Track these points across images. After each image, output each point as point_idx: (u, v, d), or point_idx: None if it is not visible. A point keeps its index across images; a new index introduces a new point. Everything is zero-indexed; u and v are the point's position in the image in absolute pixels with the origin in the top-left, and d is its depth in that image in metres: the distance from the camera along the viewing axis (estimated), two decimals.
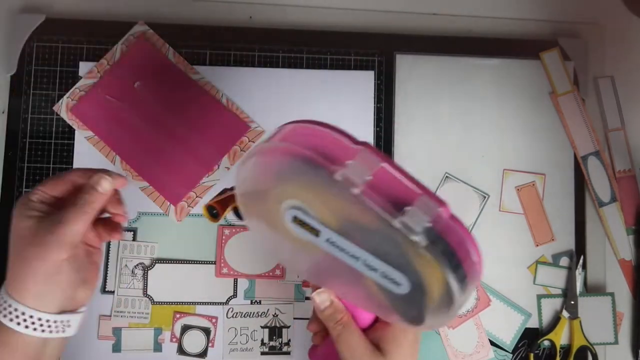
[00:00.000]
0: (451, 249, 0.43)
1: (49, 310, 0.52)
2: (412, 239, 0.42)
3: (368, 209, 0.42)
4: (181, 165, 0.69)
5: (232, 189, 0.66)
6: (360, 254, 0.46)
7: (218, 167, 0.69)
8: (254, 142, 0.70)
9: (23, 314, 0.51)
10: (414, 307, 0.48)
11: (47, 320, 0.52)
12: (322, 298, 0.54)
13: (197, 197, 0.69)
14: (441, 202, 0.43)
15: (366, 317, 0.55)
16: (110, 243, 0.68)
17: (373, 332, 0.54)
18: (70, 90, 0.69)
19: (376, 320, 0.55)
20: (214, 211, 0.67)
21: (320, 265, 0.52)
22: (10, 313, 0.51)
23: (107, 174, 0.53)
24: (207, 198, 0.69)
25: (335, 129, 0.45)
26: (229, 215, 0.69)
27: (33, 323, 0.52)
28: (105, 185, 0.53)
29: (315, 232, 0.47)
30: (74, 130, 0.69)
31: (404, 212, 0.42)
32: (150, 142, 0.69)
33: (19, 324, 0.51)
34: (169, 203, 0.69)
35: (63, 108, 0.69)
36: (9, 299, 0.51)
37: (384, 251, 0.45)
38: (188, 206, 0.69)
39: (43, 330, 0.52)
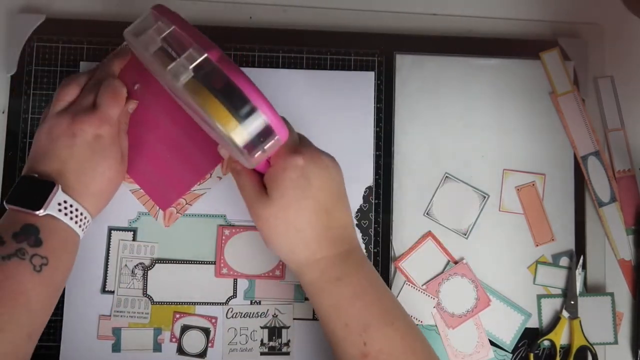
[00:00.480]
0: (218, 85, 0.51)
1: (91, 212, 0.61)
2: (177, 84, 0.51)
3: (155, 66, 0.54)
4: (174, 171, 0.68)
5: None
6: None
7: (210, 176, 0.69)
8: None
9: (81, 214, 0.60)
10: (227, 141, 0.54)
11: (89, 221, 0.61)
12: (222, 151, 0.63)
13: (187, 204, 0.69)
14: (209, 47, 0.51)
15: (263, 163, 0.59)
16: (110, 243, 0.68)
17: (265, 175, 0.59)
18: None
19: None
20: None
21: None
22: (71, 212, 0.58)
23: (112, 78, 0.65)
24: (197, 206, 0.69)
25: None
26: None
27: (84, 223, 0.60)
28: (133, 107, 0.67)
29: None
30: None
31: (172, 61, 0.51)
32: (145, 146, 0.68)
33: (76, 222, 0.59)
34: (157, 208, 0.68)
35: None
36: (73, 201, 0.59)
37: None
38: (177, 212, 0.69)
39: (83, 230, 0.61)
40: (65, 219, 0.58)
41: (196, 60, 0.51)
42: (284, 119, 0.58)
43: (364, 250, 0.69)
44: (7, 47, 0.70)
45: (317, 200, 0.57)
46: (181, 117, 0.68)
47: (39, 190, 0.57)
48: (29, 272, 0.55)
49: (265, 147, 0.53)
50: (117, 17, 0.71)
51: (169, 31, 0.53)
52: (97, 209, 0.63)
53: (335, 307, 0.57)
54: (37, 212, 0.56)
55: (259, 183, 0.59)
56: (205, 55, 0.51)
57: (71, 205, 0.58)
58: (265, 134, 0.52)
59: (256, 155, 0.53)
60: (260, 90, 0.52)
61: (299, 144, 0.59)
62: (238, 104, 0.51)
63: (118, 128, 0.63)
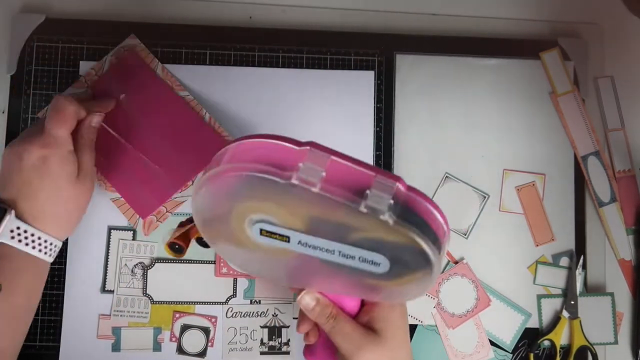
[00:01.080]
0: (418, 217, 0.46)
1: (56, 235, 0.59)
2: (382, 219, 0.44)
3: (331, 203, 0.45)
4: (154, 179, 0.68)
5: (189, 221, 0.68)
6: (334, 247, 0.48)
7: (192, 183, 0.69)
8: None
9: (39, 238, 0.58)
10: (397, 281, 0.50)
11: (53, 244, 0.59)
12: (307, 300, 0.56)
13: (167, 211, 0.68)
14: (396, 178, 0.46)
15: (352, 305, 0.56)
16: (110, 242, 0.67)
17: (363, 316, 0.56)
18: None
19: (362, 304, 0.57)
20: (176, 246, 0.67)
21: (297, 267, 0.53)
22: (26, 238, 0.57)
23: (96, 110, 0.63)
24: (178, 217, 0.69)
25: (276, 137, 0.47)
26: (193, 246, 0.68)
27: (46, 247, 0.58)
28: (98, 120, 0.63)
29: (285, 239, 0.49)
30: None
31: (366, 197, 0.44)
32: (127, 155, 0.68)
33: (34, 247, 0.57)
34: (137, 216, 0.68)
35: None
36: (28, 226, 0.57)
37: (355, 237, 0.47)
38: (157, 220, 0.68)
39: (47, 253, 0.59)
40: (20, 246, 0.56)
41: (391, 190, 0.45)
42: None
43: None
44: (7, 47, 0.70)
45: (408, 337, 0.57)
46: (163, 125, 0.68)
47: None
48: None
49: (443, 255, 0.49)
50: (117, 17, 0.71)
51: (328, 162, 0.46)
52: (64, 230, 0.61)
53: None
54: None
55: (360, 325, 0.55)
56: (397, 184, 0.46)
57: (25, 231, 0.57)
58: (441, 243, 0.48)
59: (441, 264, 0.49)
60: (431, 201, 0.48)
61: None
62: (432, 232, 0.46)
63: (68, 147, 0.59)
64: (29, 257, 0.57)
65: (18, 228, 0.56)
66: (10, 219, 0.56)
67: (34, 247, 0.57)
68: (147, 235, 0.68)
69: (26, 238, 0.57)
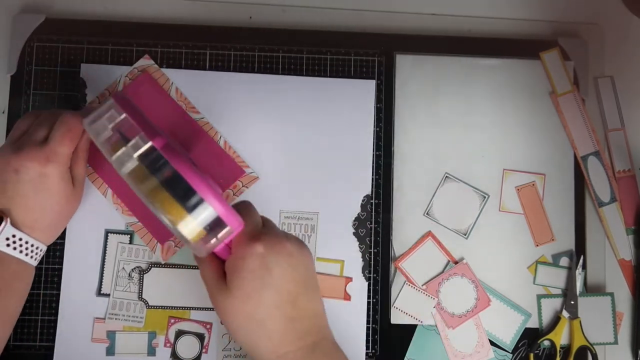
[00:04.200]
0: (162, 175, 0.46)
1: (44, 241, 0.57)
2: (122, 170, 0.47)
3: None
4: None
5: None
6: None
7: None
8: (247, 187, 0.63)
9: (32, 245, 0.55)
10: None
11: (42, 250, 0.57)
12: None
13: None
14: (154, 137, 0.47)
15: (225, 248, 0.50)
16: (107, 246, 0.62)
17: (225, 263, 0.50)
18: None
19: None
20: None
21: None
22: (20, 246, 0.54)
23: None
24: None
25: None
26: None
27: (37, 254, 0.56)
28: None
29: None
30: None
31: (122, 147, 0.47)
32: None
33: (27, 255, 0.55)
34: (156, 241, 0.62)
35: None
36: (23, 234, 0.54)
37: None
38: (175, 246, 0.62)
39: (36, 260, 0.56)
40: (15, 253, 0.54)
41: (141, 148, 0.46)
42: (245, 203, 0.51)
43: (365, 286, 0.63)
44: (7, 47, 0.65)
45: (278, 291, 0.48)
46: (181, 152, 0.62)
47: None
48: None
49: (218, 236, 0.47)
50: (117, 17, 0.66)
51: (120, 119, 0.48)
52: (52, 237, 0.58)
53: None
54: None
55: (220, 271, 0.50)
56: (150, 143, 0.46)
57: (20, 239, 0.54)
58: (216, 224, 0.46)
59: (207, 246, 0.47)
60: (209, 180, 0.46)
61: (262, 229, 0.51)
62: (184, 195, 0.45)
63: (68, 164, 0.56)
64: (21, 263, 0.55)
65: (14, 236, 0.54)
66: (6, 228, 0.53)
67: (26, 254, 0.55)
68: (165, 260, 0.62)
69: (21, 246, 0.54)
